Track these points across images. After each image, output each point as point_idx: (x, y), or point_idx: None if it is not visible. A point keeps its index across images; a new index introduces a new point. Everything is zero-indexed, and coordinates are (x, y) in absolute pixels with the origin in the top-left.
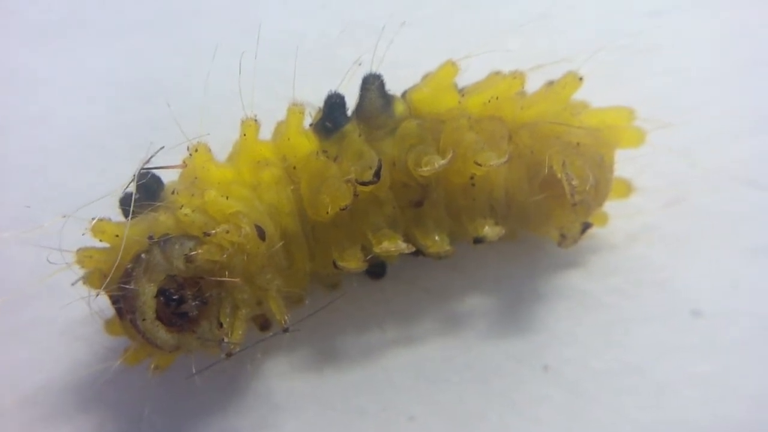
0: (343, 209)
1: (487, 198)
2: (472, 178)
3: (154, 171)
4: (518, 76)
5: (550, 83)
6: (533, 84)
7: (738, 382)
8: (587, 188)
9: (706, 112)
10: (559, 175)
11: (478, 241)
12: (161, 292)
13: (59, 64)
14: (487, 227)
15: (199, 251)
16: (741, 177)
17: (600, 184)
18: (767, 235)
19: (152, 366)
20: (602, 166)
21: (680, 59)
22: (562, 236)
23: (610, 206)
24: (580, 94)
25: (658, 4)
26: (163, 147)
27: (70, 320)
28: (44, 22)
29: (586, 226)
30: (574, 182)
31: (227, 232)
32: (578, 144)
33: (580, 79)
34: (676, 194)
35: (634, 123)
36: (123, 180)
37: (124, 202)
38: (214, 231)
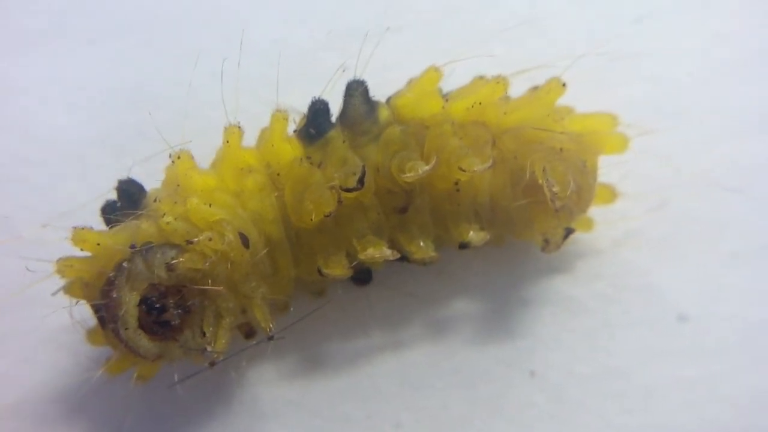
0: (328, 216)
1: (472, 203)
2: (456, 183)
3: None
4: (502, 81)
5: (534, 88)
6: (517, 89)
7: (725, 385)
8: (568, 194)
9: (689, 117)
10: (540, 181)
11: (464, 246)
12: (143, 301)
13: (40, 72)
14: (472, 232)
15: (181, 259)
16: (724, 182)
17: (583, 189)
18: (750, 239)
19: (135, 375)
20: (585, 172)
21: (664, 65)
22: (546, 241)
23: (594, 212)
24: (564, 100)
25: (642, 10)
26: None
27: (52, 330)
28: (24, 30)
29: (569, 232)
30: (555, 188)
31: (210, 239)
32: (561, 149)
33: (564, 84)
34: (660, 199)
35: (618, 129)
36: (105, 188)
37: (106, 210)
38: (196, 239)
